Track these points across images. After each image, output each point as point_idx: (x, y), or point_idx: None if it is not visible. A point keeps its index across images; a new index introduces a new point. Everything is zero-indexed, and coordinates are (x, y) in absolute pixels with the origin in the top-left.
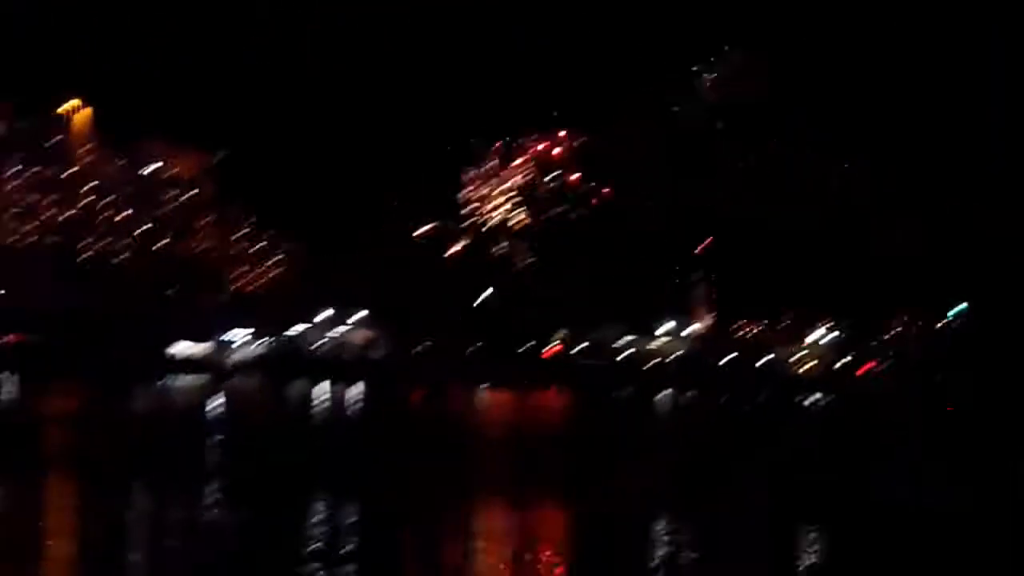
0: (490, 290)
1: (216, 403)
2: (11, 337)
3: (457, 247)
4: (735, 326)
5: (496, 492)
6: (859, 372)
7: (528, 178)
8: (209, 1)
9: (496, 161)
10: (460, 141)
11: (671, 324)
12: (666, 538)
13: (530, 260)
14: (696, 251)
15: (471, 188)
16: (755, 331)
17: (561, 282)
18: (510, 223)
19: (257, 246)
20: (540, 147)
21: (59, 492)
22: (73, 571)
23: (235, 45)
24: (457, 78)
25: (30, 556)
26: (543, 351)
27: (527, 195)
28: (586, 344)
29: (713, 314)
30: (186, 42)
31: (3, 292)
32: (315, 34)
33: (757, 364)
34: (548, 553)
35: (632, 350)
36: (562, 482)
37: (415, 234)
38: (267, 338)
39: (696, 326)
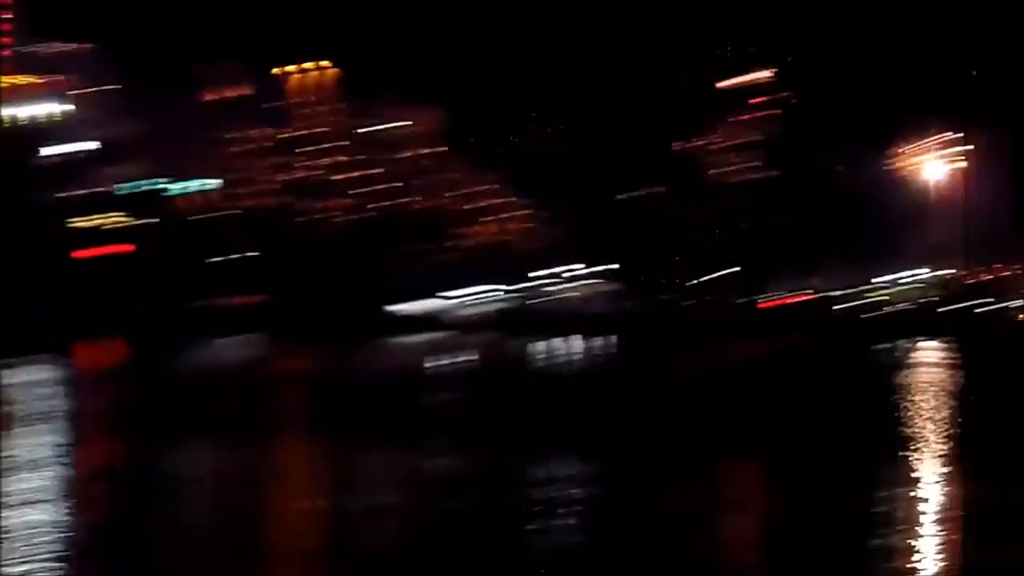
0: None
1: (455, 359)
2: (245, 299)
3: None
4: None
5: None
6: None
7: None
8: None
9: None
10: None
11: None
12: None
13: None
14: None
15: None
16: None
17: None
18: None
19: (492, 199)
20: None
21: (300, 452)
22: (322, 529)
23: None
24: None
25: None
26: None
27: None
28: (834, 292)
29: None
30: None
31: (257, 253)
32: None
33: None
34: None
35: (885, 296)
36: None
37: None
38: (501, 293)
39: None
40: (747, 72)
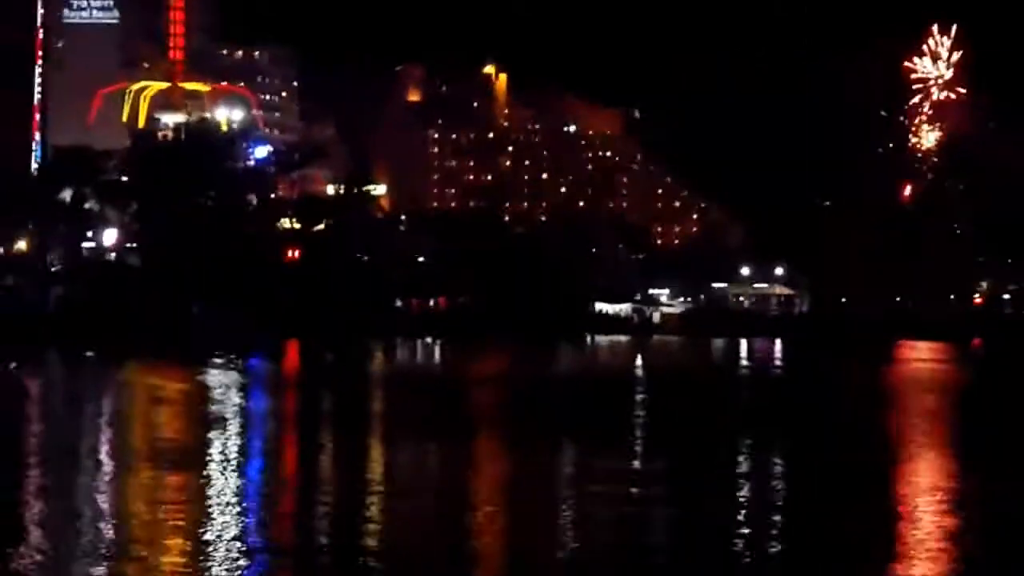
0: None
1: (641, 361)
2: (442, 301)
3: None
4: None
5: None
6: None
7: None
8: None
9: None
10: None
11: None
12: None
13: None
14: None
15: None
16: None
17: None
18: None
19: (677, 203)
20: None
21: (495, 453)
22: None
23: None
24: None
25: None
26: (970, 300)
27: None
28: (1012, 293)
29: None
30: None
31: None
32: None
33: None
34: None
35: None
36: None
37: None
38: (687, 296)
39: None
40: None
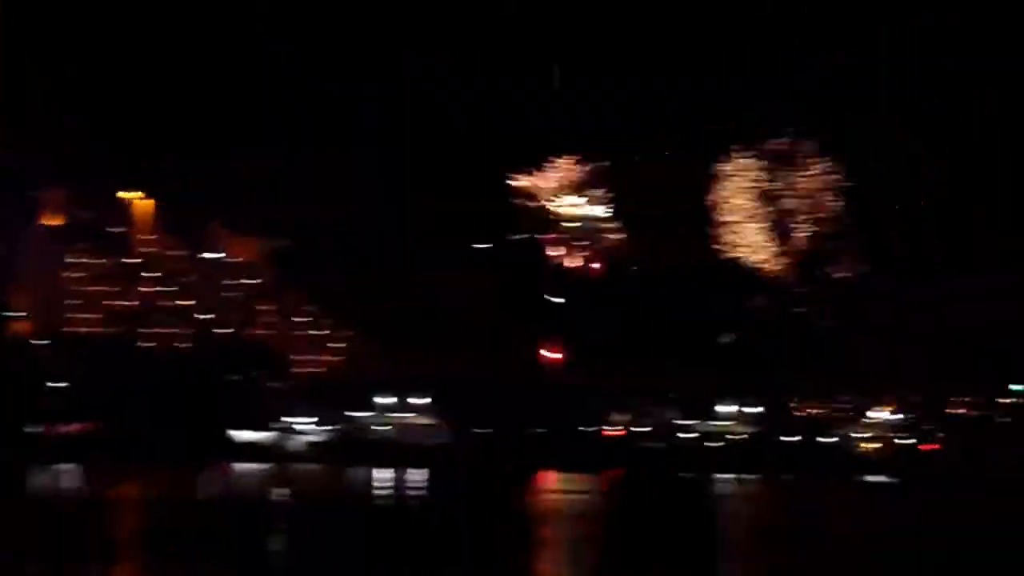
0: None
1: (280, 490)
2: (76, 426)
3: None
4: (795, 406)
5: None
6: (922, 451)
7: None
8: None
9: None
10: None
11: (732, 406)
12: None
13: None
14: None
15: None
16: (816, 412)
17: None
18: None
19: (317, 332)
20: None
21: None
22: None
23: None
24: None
25: None
26: (604, 432)
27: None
28: (648, 426)
29: (771, 395)
30: (235, 131)
31: (67, 383)
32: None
33: (820, 444)
34: None
35: (694, 433)
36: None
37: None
38: (329, 424)
39: (757, 408)
40: None
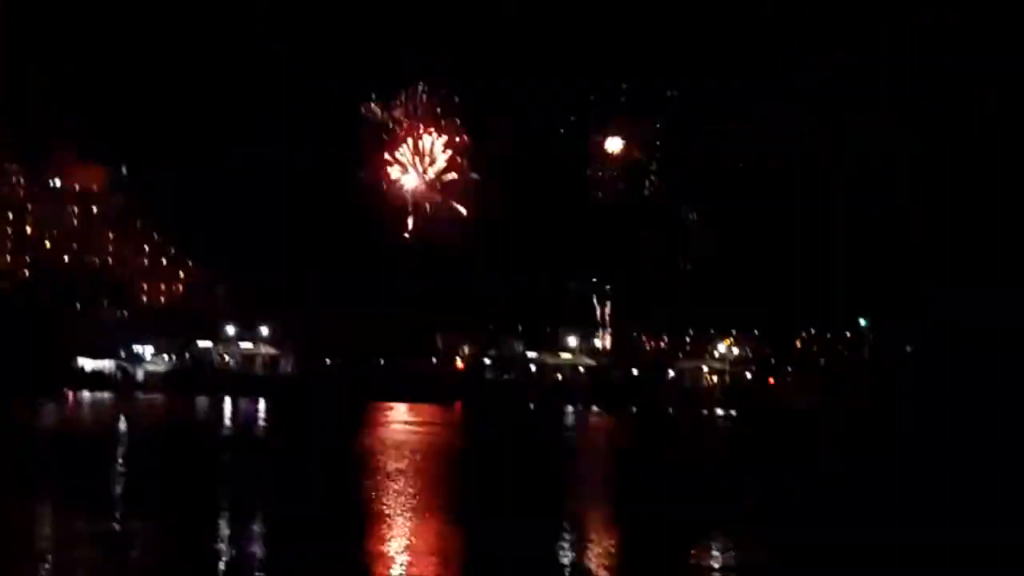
0: None
1: (122, 419)
2: None
3: None
4: (640, 340)
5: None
6: (766, 385)
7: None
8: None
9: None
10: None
11: (575, 338)
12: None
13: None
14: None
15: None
16: (660, 345)
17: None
18: None
19: (163, 261)
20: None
21: None
22: None
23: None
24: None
25: None
26: (452, 363)
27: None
28: (492, 358)
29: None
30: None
31: None
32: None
33: (664, 378)
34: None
35: (536, 366)
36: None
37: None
38: (172, 353)
39: (600, 340)
40: None
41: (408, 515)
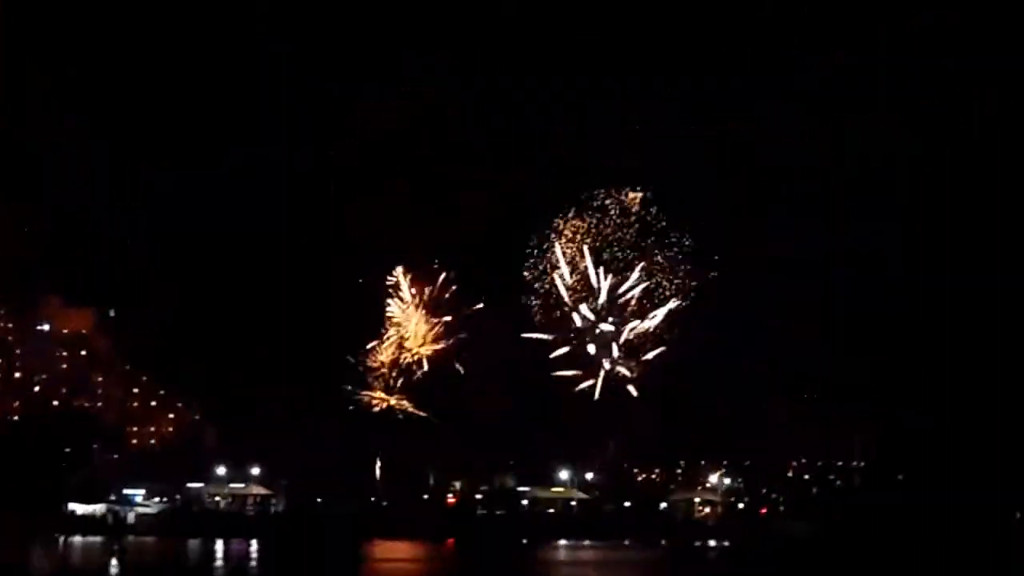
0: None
1: (113, 563)
2: None
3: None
4: (632, 472)
5: None
6: (759, 515)
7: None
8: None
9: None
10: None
11: (567, 472)
12: None
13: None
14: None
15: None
16: (652, 477)
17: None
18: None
19: (153, 403)
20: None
21: None
22: None
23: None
24: None
25: None
26: (444, 500)
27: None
28: (484, 494)
29: (609, 461)
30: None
31: None
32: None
33: (656, 510)
34: None
35: (528, 500)
36: None
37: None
38: (163, 496)
39: (592, 474)
40: None
41: None
